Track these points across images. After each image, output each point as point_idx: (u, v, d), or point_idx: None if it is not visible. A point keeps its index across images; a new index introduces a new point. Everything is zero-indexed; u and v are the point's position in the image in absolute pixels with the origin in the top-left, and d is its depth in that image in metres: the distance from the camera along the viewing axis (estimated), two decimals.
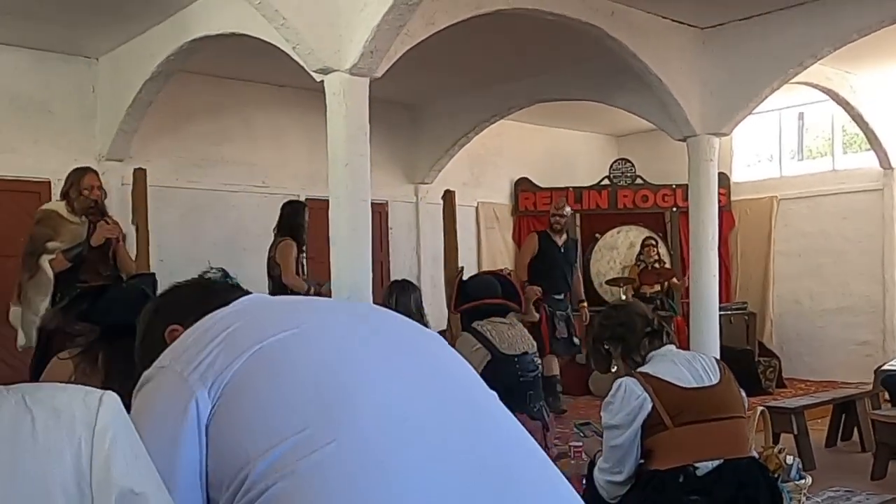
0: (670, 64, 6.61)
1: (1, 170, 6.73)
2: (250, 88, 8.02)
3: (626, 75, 6.81)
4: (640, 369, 2.82)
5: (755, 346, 8.82)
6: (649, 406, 2.67)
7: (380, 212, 9.06)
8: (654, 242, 9.36)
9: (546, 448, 4.51)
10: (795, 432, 5.90)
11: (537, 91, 8.16)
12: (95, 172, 5.50)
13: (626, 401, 2.70)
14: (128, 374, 3.28)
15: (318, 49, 4.81)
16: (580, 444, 3.34)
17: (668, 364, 2.80)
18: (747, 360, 8.21)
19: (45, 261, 5.08)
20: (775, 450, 3.04)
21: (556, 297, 7.65)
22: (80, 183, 5.31)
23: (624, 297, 8.81)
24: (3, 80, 6.80)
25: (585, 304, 8.00)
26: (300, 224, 6.61)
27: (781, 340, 9.54)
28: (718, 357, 4.08)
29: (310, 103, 6.74)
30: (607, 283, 9.29)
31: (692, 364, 2.81)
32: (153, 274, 5.16)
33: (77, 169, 5.50)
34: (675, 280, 8.98)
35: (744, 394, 2.94)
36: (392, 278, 9.06)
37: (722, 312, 8.24)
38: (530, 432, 3.64)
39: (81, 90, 7.20)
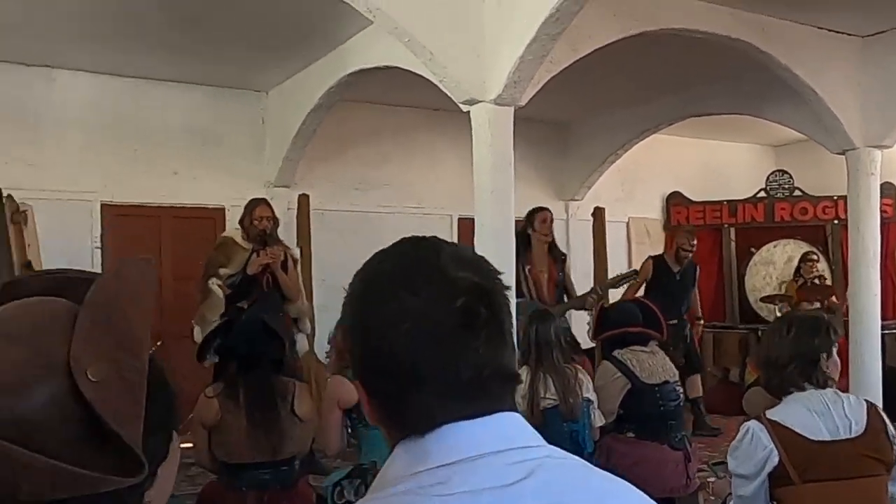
0: (827, 75, 6.42)
1: (182, 198, 7.39)
2: (406, 113, 8.38)
3: (779, 87, 6.66)
4: (769, 414, 2.63)
5: None
6: (776, 459, 2.53)
7: None
8: (815, 258, 9.03)
9: (688, 479, 4.51)
10: None
11: (687, 106, 8.10)
12: (267, 204, 5.94)
13: (753, 450, 2.56)
14: (268, 406, 3.55)
15: (464, 81, 5.03)
16: (714, 479, 3.33)
17: (802, 411, 2.59)
18: None
19: (213, 283, 5.57)
20: None
21: (669, 322, 7.34)
22: (252, 213, 5.79)
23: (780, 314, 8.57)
24: (183, 115, 7.48)
25: (701, 322, 7.87)
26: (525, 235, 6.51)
27: None
28: (871, 397, 3.76)
29: (463, 125, 6.98)
30: (762, 300, 9.04)
31: (831, 411, 2.58)
32: (273, 293, 5.56)
33: (252, 200, 6.01)
34: (834, 298, 8.62)
35: None
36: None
37: (885, 331, 7.88)
38: (671, 462, 3.67)
39: (252, 122, 7.80)
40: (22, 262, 5.49)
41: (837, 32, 6.50)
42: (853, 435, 2.56)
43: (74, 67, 6.96)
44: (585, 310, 6.65)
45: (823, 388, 2.67)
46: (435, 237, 1.05)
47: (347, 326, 1.03)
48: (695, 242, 7.83)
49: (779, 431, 2.55)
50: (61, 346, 0.81)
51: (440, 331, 0.94)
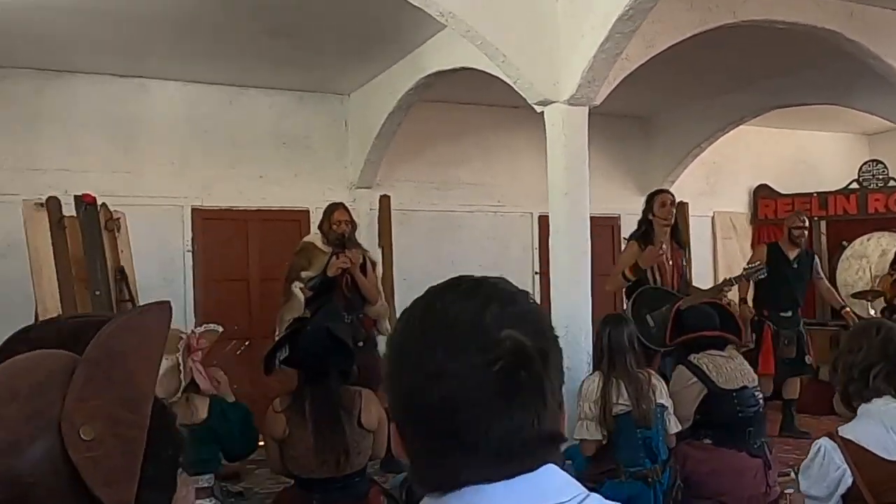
0: None
1: (268, 201, 7.61)
2: (485, 112, 8.37)
3: (869, 75, 6.40)
4: (842, 431, 2.51)
5: None
6: (850, 481, 2.42)
7: (612, 226, 9.13)
8: None
9: (768, 486, 4.42)
10: None
11: (771, 97, 7.88)
12: (345, 208, 6.08)
13: (826, 470, 2.46)
14: (333, 422, 3.59)
15: (537, 82, 5.03)
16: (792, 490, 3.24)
17: (877, 427, 2.47)
18: None
19: (296, 287, 5.74)
20: None
21: (783, 314, 7.15)
22: (331, 218, 5.94)
23: (872, 313, 8.25)
24: (269, 120, 7.69)
25: (848, 309, 7.48)
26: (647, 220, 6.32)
27: None
28: None
29: (542, 122, 6.97)
30: (853, 296, 8.71)
31: None
32: (332, 301, 5.65)
33: (331, 204, 6.16)
34: None
35: None
36: (605, 288, 9.11)
37: None
38: (749, 470, 3.58)
39: (335, 125, 7.95)
40: (115, 267, 5.76)
41: None
42: None
43: (166, 77, 7.23)
44: (721, 296, 6.43)
45: None
46: (490, 283, 1.03)
47: (387, 372, 1.02)
48: (805, 219, 7.49)
49: (852, 450, 2.44)
50: (57, 404, 0.81)
51: (476, 395, 0.93)
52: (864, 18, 5.89)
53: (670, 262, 6.16)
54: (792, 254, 7.28)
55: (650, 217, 6.28)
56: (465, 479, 0.94)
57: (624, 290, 6.38)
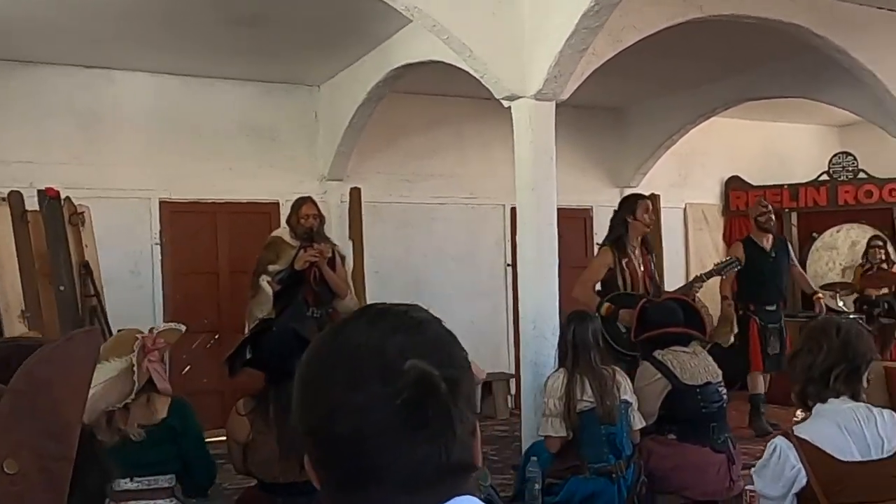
0: (886, 57, 6.17)
1: (237, 194, 7.55)
2: (457, 103, 8.30)
3: (836, 69, 6.43)
4: (797, 430, 2.52)
5: None
6: (804, 480, 2.43)
7: (584, 217, 9.16)
8: (881, 242, 8.75)
9: (731, 481, 4.45)
10: None
11: (743, 90, 7.91)
12: (313, 202, 6.04)
13: (781, 469, 2.47)
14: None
15: (504, 77, 5.02)
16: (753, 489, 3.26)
17: (832, 429, 2.47)
18: None
19: (263, 280, 5.71)
20: None
21: (768, 308, 7.13)
22: (299, 212, 5.92)
23: (841, 304, 8.33)
24: (238, 111, 7.62)
25: (819, 294, 7.47)
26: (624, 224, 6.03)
27: None
28: None
29: None
30: (822, 287, 8.79)
31: (863, 429, 2.47)
32: (298, 300, 5.63)
33: (298, 198, 6.13)
34: None
35: None
36: (572, 293, 9.13)
37: None
38: (713, 465, 3.60)
39: (305, 117, 7.89)
40: (80, 262, 5.70)
41: None
42: (885, 455, 2.47)
43: (132, 68, 7.14)
44: (692, 296, 6.38)
45: (854, 399, 2.56)
46: (397, 312, 1.00)
47: (294, 405, 1.00)
48: (767, 204, 7.45)
49: (807, 450, 2.45)
50: None
51: (379, 428, 0.91)
52: (831, 13, 5.91)
53: (641, 268, 6.01)
54: (767, 243, 7.21)
55: (629, 220, 6.01)
56: None
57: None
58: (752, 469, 2.66)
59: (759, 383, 7.09)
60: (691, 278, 6.90)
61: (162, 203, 7.29)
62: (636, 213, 6.02)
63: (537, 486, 4.47)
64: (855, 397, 2.56)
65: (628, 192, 9.25)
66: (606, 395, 4.33)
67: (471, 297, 8.46)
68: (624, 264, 5.92)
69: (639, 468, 4.46)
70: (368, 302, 7.71)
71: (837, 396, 2.55)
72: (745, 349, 7.10)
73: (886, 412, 2.58)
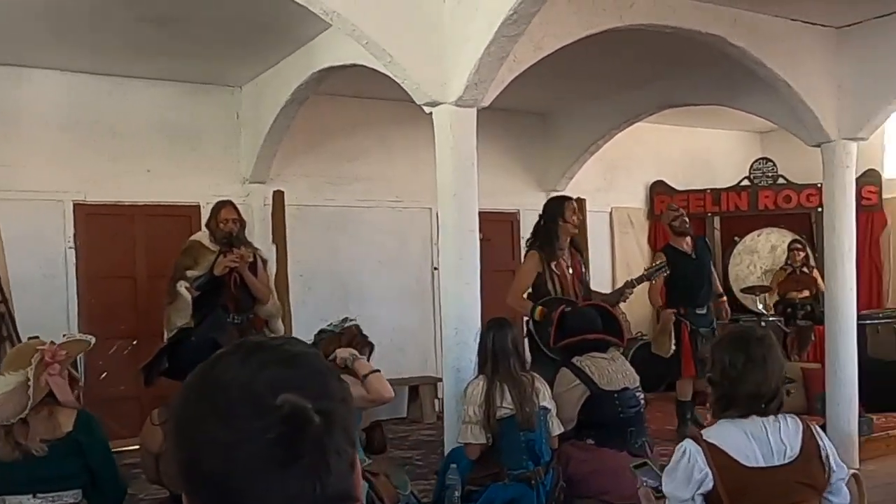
0: (800, 67, 6.34)
1: (155, 196, 7.36)
2: (383, 106, 8.20)
3: (753, 78, 6.57)
4: (707, 435, 2.57)
5: None
6: (710, 485, 2.48)
7: (511, 221, 9.20)
8: (800, 245, 9.00)
9: None
10: None
11: (664, 97, 8.04)
12: (233, 206, 5.92)
13: (690, 472, 2.51)
14: None
15: (424, 83, 4.98)
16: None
17: (739, 435, 2.53)
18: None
19: (181, 286, 5.57)
20: None
21: (699, 311, 7.00)
22: (218, 216, 5.79)
23: (761, 307, 8.53)
24: (156, 112, 7.43)
25: (724, 298, 7.46)
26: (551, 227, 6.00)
27: None
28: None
29: None
30: (743, 290, 9.01)
31: (768, 436, 2.53)
32: (218, 310, 5.54)
33: (218, 202, 6.00)
34: (821, 284, 8.57)
35: (833, 461, 2.62)
36: (506, 300, 9.18)
37: (869, 321, 7.86)
38: (630, 469, 3.63)
39: (226, 118, 7.74)
40: None
41: (811, 24, 6.42)
42: (787, 461, 2.53)
43: (46, 66, 6.90)
44: (623, 301, 6.36)
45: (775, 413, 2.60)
46: (271, 346, 0.99)
47: (169, 442, 1.01)
48: (676, 206, 7.40)
49: (715, 455, 2.51)
50: None
51: (250, 464, 0.89)
52: (747, 24, 6.04)
53: (570, 271, 5.97)
54: (687, 247, 7.12)
55: (559, 223, 5.97)
56: None
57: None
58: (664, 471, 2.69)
59: (688, 390, 6.99)
60: (620, 284, 6.90)
61: (76, 205, 7.07)
62: (564, 214, 5.99)
63: (457, 494, 4.46)
64: (767, 414, 2.59)
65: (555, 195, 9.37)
66: (526, 402, 4.35)
67: (398, 300, 8.43)
68: (553, 268, 5.89)
69: (557, 474, 4.49)
70: (292, 307, 7.66)
71: (748, 415, 2.58)
72: (678, 353, 6.97)
73: (791, 418, 2.64)
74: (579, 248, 6.30)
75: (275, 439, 0.89)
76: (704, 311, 7.07)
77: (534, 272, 5.93)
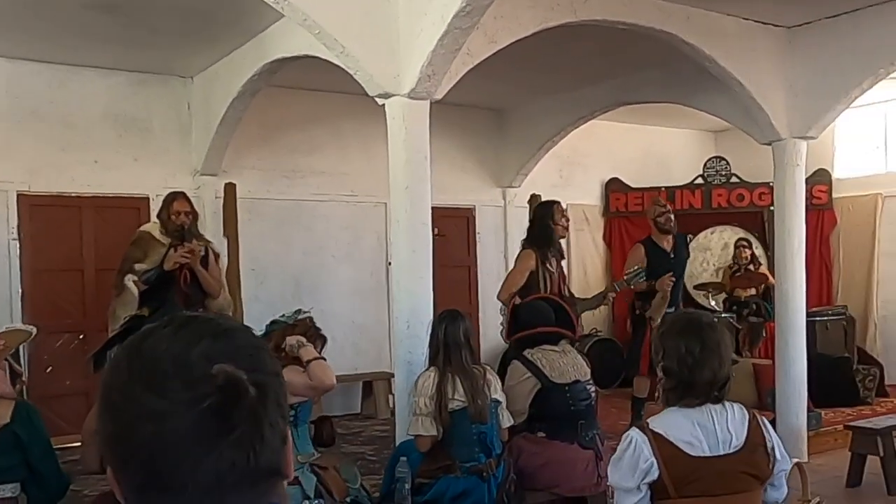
0: (752, 66, 6.41)
1: (104, 187, 7.20)
2: (337, 99, 8.13)
3: (707, 77, 6.63)
4: (652, 424, 2.57)
5: (854, 353, 8.43)
6: (656, 473, 2.49)
7: (467, 217, 9.19)
8: (746, 244, 9.11)
9: (599, 477, 4.51)
10: (882, 454, 5.65)
11: (620, 94, 8.07)
12: (185, 197, 5.77)
13: (635, 462, 2.52)
14: None
15: (377, 75, 4.93)
16: None
17: (686, 424, 2.53)
18: (844, 368, 7.90)
19: (129, 280, 5.44)
20: None
21: (667, 311, 6.67)
22: (170, 208, 5.64)
23: (713, 304, 8.62)
24: (104, 101, 7.27)
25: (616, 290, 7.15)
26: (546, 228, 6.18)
27: (887, 346, 9.11)
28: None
29: None
30: (695, 287, 9.09)
31: (715, 425, 2.54)
32: (173, 305, 5.44)
33: (170, 193, 5.83)
34: (771, 281, 8.68)
35: (778, 452, 2.62)
36: (480, 283, 9.19)
37: (818, 318, 7.99)
38: (581, 462, 3.63)
39: (177, 109, 7.60)
40: None
41: (763, 23, 6.49)
42: (732, 450, 2.54)
43: None
44: (605, 305, 6.41)
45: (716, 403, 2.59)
46: (204, 319, 0.98)
47: (97, 415, 0.96)
48: (663, 202, 7.28)
49: (660, 444, 2.51)
50: None
51: (182, 434, 0.88)
52: (700, 22, 6.08)
53: (556, 272, 6.11)
54: (667, 245, 7.01)
55: (551, 225, 6.16)
56: None
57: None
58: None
59: (645, 387, 6.87)
60: (573, 281, 6.91)
61: (20, 196, 6.88)
62: (554, 217, 6.20)
63: (407, 486, 4.42)
64: (714, 402, 2.59)
65: (511, 192, 9.39)
66: (478, 395, 4.33)
67: (352, 295, 8.37)
68: (546, 267, 6.07)
69: (508, 466, 4.47)
70: (244, 301, 7.55)
71: (697, 404, 2.58)
72: (638, 349, 6.79)
73: (737, 407, 2.64)
74: (561, 251, 6.41)
75: (209, 409, 0.88)
76: (672, 311, 6.82)
77: (528, 270, 6.06)
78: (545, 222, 6.20)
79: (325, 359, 4.13)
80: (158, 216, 5.86)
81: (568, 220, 6.41)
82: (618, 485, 2.59)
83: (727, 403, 2.63)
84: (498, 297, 6.20)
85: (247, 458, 0.90)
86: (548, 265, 6.07)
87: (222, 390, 0.88)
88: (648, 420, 2.64)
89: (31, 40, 6.47)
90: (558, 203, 6.42)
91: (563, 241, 6.58)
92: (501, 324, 5.94)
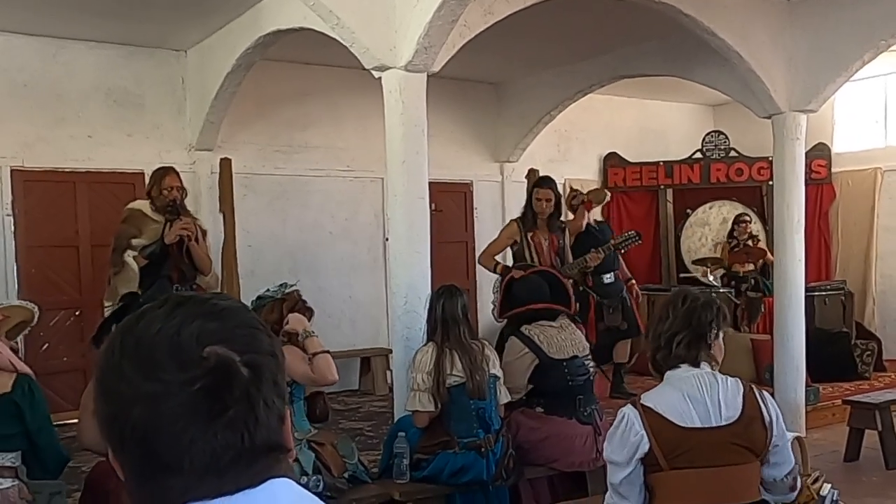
0: (752, 39, 6.34)
1: (98, 163, 7.12)
2: (333, 73, 8.00)
3: (706, 50, 6.56)
4: (644, 399, 2.61)
5: (852, 327, 8.41)
6: (646, 447, 2.52)
7: (464, 192, 9.14)
8: (747, 219, 9.07)
9: (598, 452, 4.50)
10: (880, 428, 5.65)
11: (618, 67, 7.99)
12: (176, 173, 5.69)
13: (627, 436, 2.55)
14: None
15: (373, 47, 4.87)
16: None
17: (676, 396, 2.56)
18: (843, 343, 7.89)
19: (129, 256, 5.39)
20: (808, 480, 2.80)
21: (606, 280, 7.02)
22: (161, 183, 5.57)
23: (711, 279, 8.60)
24: (99, 75, 7.17)
25: (633, 281, 7.51)
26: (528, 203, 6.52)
27: (885, 321, 9.10)
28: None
29: None
30: (694, 262, 9.07)
31: (705, 397, 2.55)
32: (165, 281, 5.41)
33: (159, 168, 5.76)
34: (769, 257, 8.65)
35: (776, 426, 2.61)
36: (477, 259, 9.14)
37: (816, 293, 7.97)
38: (579, 437, 3.63)
39: (172, 83, 7.50)
40: None
41: None
42: (724, 422, 2.56)
43: None
44: (587, 266, 6.55)
45: (698, 366, 2.63)
46: (198, 299, 0.98)
47: (94, 398, 0.98)
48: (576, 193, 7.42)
49: (650, 417, 2.56)
50: None
51: (175, 415, 0.90)
52: None
53: (546, 242, 6.40)
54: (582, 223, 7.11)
55: (532, 200, 6.50)
56: (177, 500, 0.92)
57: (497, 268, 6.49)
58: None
59: (624, 353, 7.26)
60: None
61: (14, 171, 6.80)
62: (532, 201, 6.49)
63: (405, 462, 4.42)
64: (696, 364, 2.64)
65: (508, 167, 9.33)
66: (476, 370, 4.32)
67: (349, 271, 8.33)
68: (529, 238, 6.35)
69: (507, 441, 4.46)
70: (241, 277, 7.51)
71: (682, 363, 2.64)
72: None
73: (731, 380, 2.67)
74: (553, 227, 6.52)
75: (201, 391, 0.89)
76: (612, 280, 7.12)
77: (509, 238, 6.50)
78: (528, 198, 6.55)
79: (329, 351, 4.12)
80: (148, 192, 5.78)
81: (549, 200, 6.42)
82: (609, 458, 2.63)
83: (720, 376, 2.66)
84: (478, 261, 6.66)
85: (241, 438, 0.92)
86: (531, 236, 6.35)
87: (214, 373, 0.90)
88: (641, 395, 2.68)
89: (23, 13, 6.36)
90: (542, 188, 6.53)
91: (562, 217, 6.73)
92: (493, 302, 5.94)
